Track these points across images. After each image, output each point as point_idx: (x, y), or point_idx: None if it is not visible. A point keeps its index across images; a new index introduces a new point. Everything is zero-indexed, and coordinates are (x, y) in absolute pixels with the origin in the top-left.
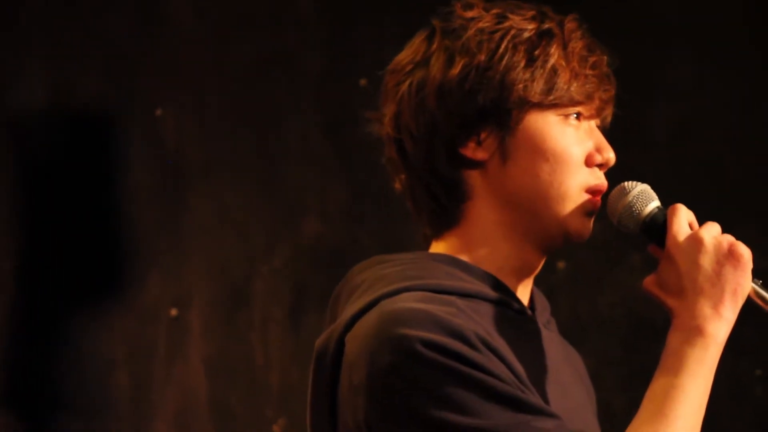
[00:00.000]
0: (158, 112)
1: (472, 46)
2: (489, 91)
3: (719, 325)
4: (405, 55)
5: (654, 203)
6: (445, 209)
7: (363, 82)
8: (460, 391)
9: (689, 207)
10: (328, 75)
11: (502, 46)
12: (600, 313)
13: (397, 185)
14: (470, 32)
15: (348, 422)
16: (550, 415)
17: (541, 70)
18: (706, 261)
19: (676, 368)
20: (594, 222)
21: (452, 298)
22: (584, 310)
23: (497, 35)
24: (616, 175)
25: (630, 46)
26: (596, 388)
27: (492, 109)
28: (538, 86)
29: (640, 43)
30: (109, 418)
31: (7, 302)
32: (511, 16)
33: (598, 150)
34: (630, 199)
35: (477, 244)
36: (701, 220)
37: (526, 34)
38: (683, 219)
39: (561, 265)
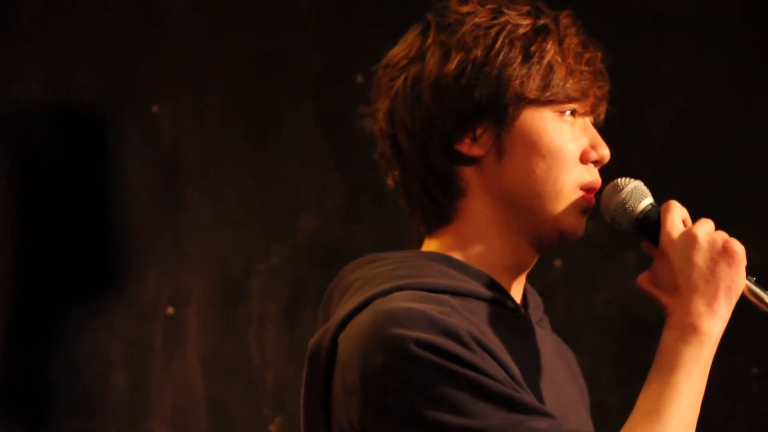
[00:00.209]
0: (155, 108)
1: (468, 41)
2: (485, 86)
3: (714, 322)
4: (399, 50)
5: (647, 200)
6: (440, 206)
7: (360, 78)
8: (454, 391)
9: (685, 205)
10: (327, 74)
11: (499, 42)
12: (594, 310)
13: (390, 181)
14: (466, 27)
15: (342, 422)
16: (545, 415)
17: (538, 66)
18: (700, 258)
19: (671, 366)
20: (588, 219)
21: (445, 296)
22: (579, 307)
23: (493, 30)
24: (611, 172)
25: (627, 43)
26: (591, 385)
27: (488, 105)
28: (535, 82)
29: (637, 41)
30: (106, 416)
31: (4, 300)
32: (506, 11)
33: (593, 147)
34: (623, 196)
35: (471, 241)
36: (696, 218)
37: (522, 30)
38: (677, 216)
39: (558, 263)
